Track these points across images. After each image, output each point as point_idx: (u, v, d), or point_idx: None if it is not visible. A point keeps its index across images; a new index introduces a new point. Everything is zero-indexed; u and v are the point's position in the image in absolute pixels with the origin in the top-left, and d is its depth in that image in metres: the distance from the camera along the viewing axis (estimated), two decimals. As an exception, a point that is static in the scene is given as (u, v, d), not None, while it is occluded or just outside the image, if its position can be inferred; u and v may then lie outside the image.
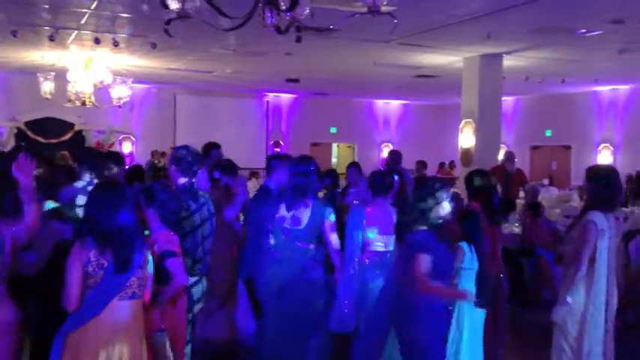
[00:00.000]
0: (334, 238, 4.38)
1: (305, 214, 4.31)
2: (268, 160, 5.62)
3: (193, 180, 4.25)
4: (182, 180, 4.18)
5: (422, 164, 11.22)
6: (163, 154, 14.94)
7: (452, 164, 17.46)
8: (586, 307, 3.93)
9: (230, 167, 5.35)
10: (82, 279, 3.10)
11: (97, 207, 3.19)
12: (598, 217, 3.91)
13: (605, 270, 3.98)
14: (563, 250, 4.23)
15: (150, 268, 3.33)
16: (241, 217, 5.30)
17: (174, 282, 3.53)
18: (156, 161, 14.54)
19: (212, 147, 6.18)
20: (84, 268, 3.09)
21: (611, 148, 15.36)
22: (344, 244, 4.53)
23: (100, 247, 3.11)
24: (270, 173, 5.24)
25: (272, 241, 4.39)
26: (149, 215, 3.70)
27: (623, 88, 15.09)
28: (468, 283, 4.25)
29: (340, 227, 4.58)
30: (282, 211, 4.35)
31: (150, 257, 3.34)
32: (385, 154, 19.53)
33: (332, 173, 7.38)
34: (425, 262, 3.59)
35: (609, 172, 4.19)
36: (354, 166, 7.44)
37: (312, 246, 4.34)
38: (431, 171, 16.96)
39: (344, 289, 4.44)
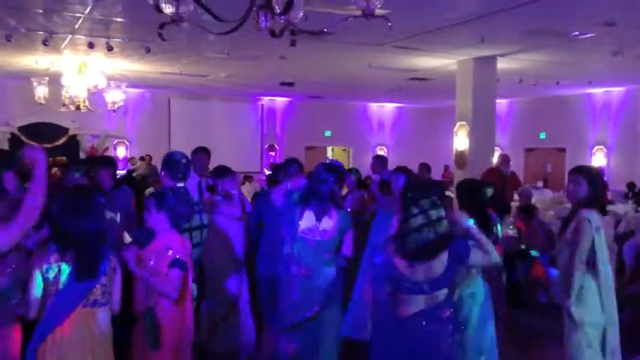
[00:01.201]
0: (349, 248, 4.28)
1: (330, 225, 4.20)
2: (290, 163, 5.54)
3: (183, 185, 4.25)
4: (172, 185, 4.19)
5: (425, 167, 10.09)
6: (142, 158, 14.98)
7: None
8: (602, 303, 3.93)
9: (224, 171, 5.34)
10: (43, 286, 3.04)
11: (60, 210, 3.15)
12: (592, 215, 3.92)
13: (608, 263, 4.00)
14: (557, 254, 4.22)
15: (116, 276, 3.27)
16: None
17: (167, 292, 3.54)
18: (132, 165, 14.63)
19: (199, 151, 6.14)
20: (44, 275, 3.03)
21: (605, 150, 15.43)
22: (365, 251, 4.48)
23: (60, 252, 3.05)
24: (289, 178, 5.12)
25: (293, 251, 4.22)
26: (158, 219, 3.68)
27: (617, 90, 15.16)
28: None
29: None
30: (307, 221, 4.19)
31: (114, 265, 3.25)
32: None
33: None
34: None
35: (598, 171, 4.28)
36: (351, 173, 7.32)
37: (333, 255, 4.24)
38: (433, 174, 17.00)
39: (359, 295, 4.40)
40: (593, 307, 3.91)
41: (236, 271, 5.07)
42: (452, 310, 3.31)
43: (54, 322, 3.05)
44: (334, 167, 4.32)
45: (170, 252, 3.55)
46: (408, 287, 3.20)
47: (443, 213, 3.23)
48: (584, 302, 3.91)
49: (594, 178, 4.09)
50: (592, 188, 4.00)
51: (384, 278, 3.24)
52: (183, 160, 4.29)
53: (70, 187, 4.53)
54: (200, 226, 4.27)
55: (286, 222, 4.26)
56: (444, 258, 3.20)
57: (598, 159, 15.42)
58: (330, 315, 4.18)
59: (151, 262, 3.58)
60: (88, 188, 3.68)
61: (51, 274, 3.04)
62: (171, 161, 4.26)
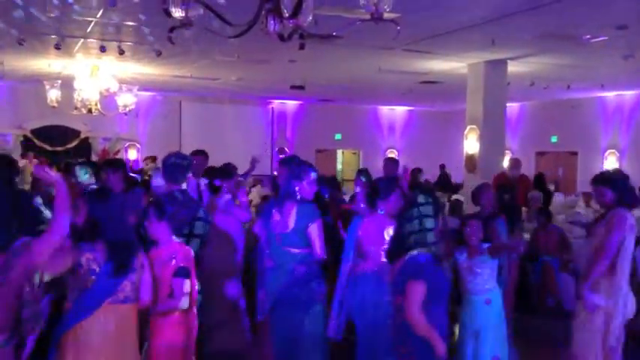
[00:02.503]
0: (317, 244, 4.26)
1: (292, 219, 4.28)
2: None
3: (183, 187, 4.28)
4: (170, 187, 4.22)
5: (392, 161, 9.74)
6: (154, 158, 15.02)
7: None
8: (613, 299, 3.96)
9: (230, 172, 5.38)
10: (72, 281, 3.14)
11: (105, 214, 3.23)
12: (627, 213, 4.00)
13: (628, 265, 4.02)
14: (580, 250, 4.28)
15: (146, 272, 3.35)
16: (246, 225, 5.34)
17: (170, 301, 3.57)
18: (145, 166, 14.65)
19: (197, 154, 6.16)
20: (78, 269, 3.11)
21: (617, 154, 15.31)
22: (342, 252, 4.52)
23: (93, 249, 3.15)
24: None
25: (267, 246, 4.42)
26: (160, 229, 3.70)
27: (629, 94, 15.04)
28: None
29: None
30: (276, 217, 4.35)
31: (142, 262, 3.34)
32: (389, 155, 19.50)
33: (330, 181, 7.36)
34: (420, 291, 3.41)
35: (617, 174, 4.40)
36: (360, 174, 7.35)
37: (301, 250, 4.27)
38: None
39: (337, 296, 4.43)
40: (607, 296, 3.97)
41: (236, 274, 5.10)
42: None
43: (80, 315, 3.12)
44: (286, 161, 4.55)
45: (174, 261, 3.59)
46: None
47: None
48: (598, 291, 3.95)
49: (616, 181, 4.13)
50: (617, 192, 4.05)
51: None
52: (179, 162, 4.32)
53: (88, 189, 4.57)
54: (201, 235, 4.27)
55: (262, 221, 4.47)
56: None
57: (610, 163, 15.30)
58: (306, 314, 4.22)
59: (155, 270, 3.60)
60: (110, 191, 3.71)
61: (82, 271, 3.12)
62: (167, 164, 4.30)
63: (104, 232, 3.19)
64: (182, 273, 3.58)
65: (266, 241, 4.43)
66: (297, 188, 4.29)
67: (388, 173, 7.37)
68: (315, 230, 4.25)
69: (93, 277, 3.12)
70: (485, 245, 4.37)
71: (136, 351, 3.33)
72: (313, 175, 4.37)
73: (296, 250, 4.27)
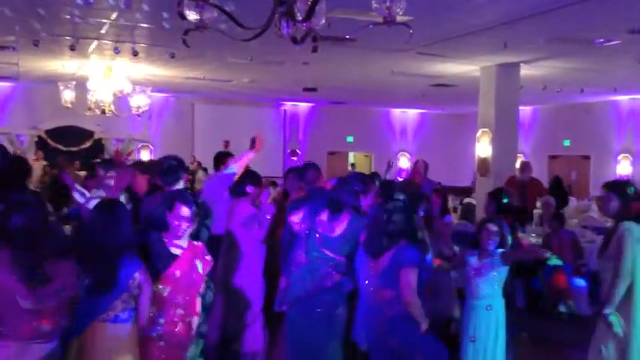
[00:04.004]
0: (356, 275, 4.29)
1: (342, 224, 4.27)
2: (307, 169, 5.69)
3: (177, 187, 4.31)
4: (169, 189, 4.25)
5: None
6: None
7: None
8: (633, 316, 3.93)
9: (260, 179, 5.34)
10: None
11: (89, 226, 3.22)
12: (632, 226, 3.94)
13: None
14: (600, 270, 4.23)
15: (137, 289, 3.18)
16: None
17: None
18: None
19: (227, 156, 6.21)
20: None
21: (631, 158, 15.19)
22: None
23: (80, 264, 3.01)
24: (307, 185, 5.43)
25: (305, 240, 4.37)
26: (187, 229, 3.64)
27: (643, 98, 14.95)
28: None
29: None
30: (322, 215, 4.33)
31: (139, 282, 3.16)
32: (402, 163, 19.50)
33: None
34: (415, 276, 3.67)
35: (627, 183, 4.30)
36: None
37: (338, 257, 4.24)
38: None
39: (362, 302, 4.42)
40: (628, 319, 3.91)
41: (258, 279, 5.13)
42: None
43: (72, 333, 3.05)
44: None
45: (208, 256, 3.62)
46: None
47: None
48: (621, 312, 3.90)
49: (624, 190, 4.10)
50: (623, 201, 4.02)
51: None
52: (175, 164, 4.38)
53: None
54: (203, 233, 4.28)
55: (307, 215, 4.36)
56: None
57: (623, 167, 15.20)
58: (326, 320, 4.20)
59: (200, 269, 3.57)
60: (111, 202, 3.68)
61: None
62: (161, 168, 4.37)
63: (85, 246, 3.12)
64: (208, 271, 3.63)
65: (305, 237, 4.31)
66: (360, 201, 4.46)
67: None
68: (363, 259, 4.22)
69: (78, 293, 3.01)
70: (499, 250, 4.36)
71: None
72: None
73: (334, 256, 4.23)
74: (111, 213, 3.25)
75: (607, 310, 3.90)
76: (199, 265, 3.57)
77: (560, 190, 11.62)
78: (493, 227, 4.39)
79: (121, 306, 3.13)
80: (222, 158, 6.05)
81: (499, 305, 4.34)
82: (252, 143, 6.39)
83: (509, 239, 4.70)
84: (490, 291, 4.31)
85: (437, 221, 5.46)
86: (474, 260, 4.38)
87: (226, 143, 6.96)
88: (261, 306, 5.14)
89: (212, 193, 5.03)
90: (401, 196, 4.00)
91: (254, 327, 5.10)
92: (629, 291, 3.91)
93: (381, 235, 3.90)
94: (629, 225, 3.94)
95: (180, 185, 4.35)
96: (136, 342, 3.23)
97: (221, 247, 5.11)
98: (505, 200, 5.30)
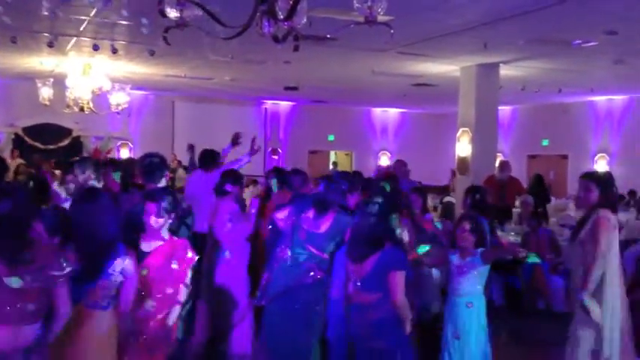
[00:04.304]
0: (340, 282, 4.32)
1: (327, 222, 4.28)
2: (294, 175, 5.68)
3: (160, 184, 4.30)
4: (153, 187, 4.25)
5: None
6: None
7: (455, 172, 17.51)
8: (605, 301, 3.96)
9: (240, 178, 5.37)
10: None
11: (73, 215, 3.20)
12: (609, 214, 3.97)
13: (617, 264, 4.02)
14: (567, 257, 4.26)
15: (121, 276, 3.20)
16: None
17: (176, 299, 3.58)
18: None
19: (215, 154, 6.20)
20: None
21: (607, 157, 15.41)
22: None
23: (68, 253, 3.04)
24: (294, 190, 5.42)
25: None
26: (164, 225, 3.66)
27: (619, 98, 15.16)
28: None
29: None
30: (309, 212, 4.34)
31: (121, 269, 3.19)
32: (383, 162, 19.57)
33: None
34: (403, 279, 3.74)
35: (608, 175, 4.32)
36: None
37: (322, 255, 4.25)
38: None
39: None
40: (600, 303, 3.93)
41: (243, 278, 5.13)
42: None
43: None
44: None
45: (190, 254, 3.60)
46: None
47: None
48: (597, 298, 3.92)
49: (605, 182, 4.13)
50: (603, 193, 4.04)
51: None
52: (157, 161, 4.36)
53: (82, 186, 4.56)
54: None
55: (292, 211, 4.41)
56: None
57: (600, 166, 15.40)
58: (305, 317, 4.22)
59: (174, 266, 3.56)
60: (95, 191, 3.67)
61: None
62: (144, 164, 4.34)
63: (75, 234, 3.12)
64: (193, 267, 3.62)
65: (290, 232, 4.33)
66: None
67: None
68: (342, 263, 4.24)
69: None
70: (479, 250, 4.40)
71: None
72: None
73: (318, 253, 4.24)
74: (95, 202, 3.26)
75: (583, 296, 3.92)
76: (175, 262, 3.56)
77: (541, 188, 11.77)
78: (467, 225, 4.43)
79: (101, 293, 3.15)
80: (210, 156, 6.02)
81: (480, 303, 4.38)
82: (235, 140, 6.40)
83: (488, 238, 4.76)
84: (471, 289, 4.35)
85: (418, 217, 5.50)
86: (455, 258, 4.42)
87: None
88: (247, 304, 5.15)
89: (199, 191, 5.06)
90: (379, 199, 4.00)
91: (242, 326, 5.11)
92: (602, 276, 3.95)
93: (364, 241, 3.91)
94: (606, 212, 3.97)
95: (163, 183, 4.33)
96: (115, 331, 3.24)
97: (205, 247, 5.12)
98: (477, 195, 5.36)
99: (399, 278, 3.81)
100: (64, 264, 2.90)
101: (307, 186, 5.65)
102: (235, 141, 6.64)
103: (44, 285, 2.84)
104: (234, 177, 5.28)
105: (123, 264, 3.21)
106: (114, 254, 3.18)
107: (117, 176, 5.58)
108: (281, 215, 4.47)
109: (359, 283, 3.92)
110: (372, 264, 3.87)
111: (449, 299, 4.46)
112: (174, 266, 3.55)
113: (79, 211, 3.23)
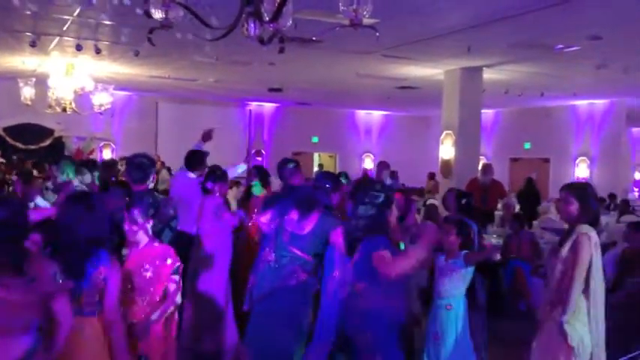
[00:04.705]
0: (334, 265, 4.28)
1: (310, 222, 4.26)
2: (284, 164, 5.66)
3: (150, 185, 4.30)
4: (138, 188, 4.23)
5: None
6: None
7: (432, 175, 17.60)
8: (590, 324, 3.86)
9: (221, 176, 5.40)
10: None
11: (59, 218, 3.18)
12: (591, 231, 3.84)
13: (602, 284, 3.93)
14: (548, 269, 4.14)
15: (103, 282, 3.15)
16: None
17: (166, 303, 3.56)
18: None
19: (203, 155, 6.20)
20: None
21: (588, 161, 15.59)
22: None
23: (51, 257, 3.01)
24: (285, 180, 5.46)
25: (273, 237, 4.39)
26: (145, 228, 3.62)
27: (601, 103, 15.34)
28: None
29: None
30: (292, 214, 4.32)
31: (104, 274, 3.14)
32: (367, 164, 19.63)
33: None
34: (387, 253, 3.56)
35: (592, 188, 4.18)
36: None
37: (307, 257, 4.24)
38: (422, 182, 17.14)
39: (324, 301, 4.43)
40: (583, 327, 3.81)
41: (224, 277, 5.14)
42: None
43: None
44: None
45: (169, 260, 3.56)
46: None
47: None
48: (576, 321, 3.79)
49: (584, 193, 3.97)
50: (582, 205, 3.92)
51: None
52: (143, 161, 4.35)
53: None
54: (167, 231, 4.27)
55: (275, 214, 4.40)
56: None
57: (581, 170, 15.58)
58: (289, 321, 4.20)
59: (148, 274, 3.52)
60: (86, 194, 3.64)
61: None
62: (133, 165, 4.33)
63: (55, 236, 3.10)
64: (178, 270, 3.57)
65: (274, 235, 4.32)
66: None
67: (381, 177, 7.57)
68: (336, 253, 4.23)
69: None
70: (463, 252, 4.43)
71: None
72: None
73: (302, 255, 4.22)
74: (86, 205, 3.21)
75: (564, 318, 3.78)
76: (149, 270, 3.52)
77: (532, 191, 11.88)
78: (452, 228, 4.48)
79: (84, 299, 3.10)
80: (198, 158, 5.99)
81: (460, 305, 4.40)
82: (205, 136, 6.39)
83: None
84: (453, 291, 4.38)
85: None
86: (440, 260, 4.46)
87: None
88: (226, 302, 5.15)
89: (188, 194, 5.06)
90: (384, 192, 3.98)
91: (224, 324, 5.12)
92: (586, 294, 3.88)
93: (353, 239, 3.87)
94: (587, 229, 3.83)
95: (150, 184, 4.32)
96: (100, 335, 3.18)
97: (191, 250, 5.13)
98: (463, 200, 5.40)
99: (379, 255, 3.59)
100: (58, 277, 2.87)
101: (298, 175, 5.63)
102: (207, 137, 6.60)
103: (35, 298, 2.77)
104: (214, 175, 5.34)
105: (105, 269, 3.16)
106: (96, 259, 3.13)
107: (95, 177, 5.56)
108: (264, 219, 4.47)
109: (352, 273, 3.92)
110: (359, 252, 3.81)
111: (431, 301, 4.49)
112: (148, 274, 3.51)
113: (68, 215, 3.18)
